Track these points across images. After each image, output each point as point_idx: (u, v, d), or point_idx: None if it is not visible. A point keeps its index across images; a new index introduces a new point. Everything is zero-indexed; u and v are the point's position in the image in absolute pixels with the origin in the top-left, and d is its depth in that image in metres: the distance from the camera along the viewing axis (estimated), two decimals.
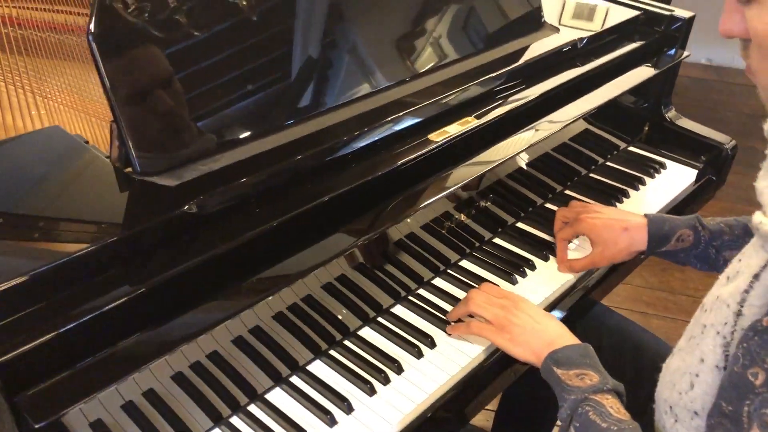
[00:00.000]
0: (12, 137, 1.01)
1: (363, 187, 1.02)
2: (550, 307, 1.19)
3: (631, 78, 1.47)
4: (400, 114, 1.13)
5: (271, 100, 1.06)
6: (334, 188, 0.99)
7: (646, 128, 1.68)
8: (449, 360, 1.06)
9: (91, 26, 0.88)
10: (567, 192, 1.47)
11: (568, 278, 1.24)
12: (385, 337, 1.10)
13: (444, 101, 1.19)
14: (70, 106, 1.35)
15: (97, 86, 1.41)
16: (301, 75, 1.09)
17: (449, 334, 1.10)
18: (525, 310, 1.04)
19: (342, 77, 1.15)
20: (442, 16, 1.30)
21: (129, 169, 0.93)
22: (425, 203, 1.09)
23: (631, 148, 1.65)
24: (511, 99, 1.27)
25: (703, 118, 1.71)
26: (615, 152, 1.62)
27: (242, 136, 1.01)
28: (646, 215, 1.22)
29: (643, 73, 1.50)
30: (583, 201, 1.42)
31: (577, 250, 1.29)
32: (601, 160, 1.58)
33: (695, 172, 1.58)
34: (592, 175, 1.53)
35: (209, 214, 0.90)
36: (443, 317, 1.13)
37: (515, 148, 1.22)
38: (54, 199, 0.89)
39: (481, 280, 1.21)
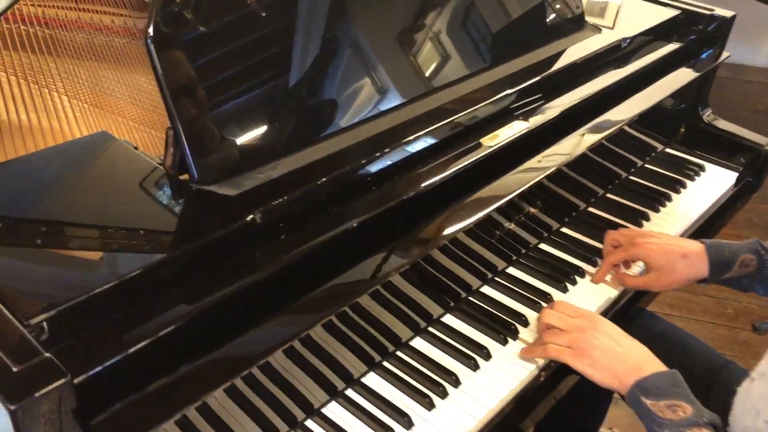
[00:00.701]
0: (61, 144, 0.97)
1: (426, 195, 0.99)
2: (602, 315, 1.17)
3: (673, 81, 1.45)
4: (451, 119, 1.10)
5: (326, 106, 1.02)
6: (397, 195, 0.96)
7: (682, 129, 1.65)
8: (507, 372, 1.04)
9: (150, 29, 0.84)
10: (609, 196, 1.44)
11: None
12: (439, 349, 1.07)
13: (493, 104, 1.16)
14: (104, 109, 1.31)
15: (128, 87, 1.38)
16: (357, 78, 1.06)
17: (523, 356, 1.06)
18: (605, 332, 0.99)
19: (395, 80, 1.11)
20: (489, 16, 1.27)
21: (184, 176, 0.90)
22: (485, 211, 1.06)
23: (669, 150, 1.62)
24: (559, 103, 1.24)
25: (720, 116, 1.68)
26: (653, 154, 1.59)
27: (300, 142, 0.98)
28: (702, 241, 1.16)
29: (684, 76, 1.47)
30: (624, 204, 1.40)
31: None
32: (639, 163, 1.55)
33: (735, 174, 1.55)
34: (632, 177, 1.51)
35: (270, 225, 0.87)
36: (496, 326, 1.10)
37: (567, 152, 1.19)
38: (110, 208, 0.86)
39: (530, 288, 1.19)
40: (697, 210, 1.44)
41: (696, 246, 1.15)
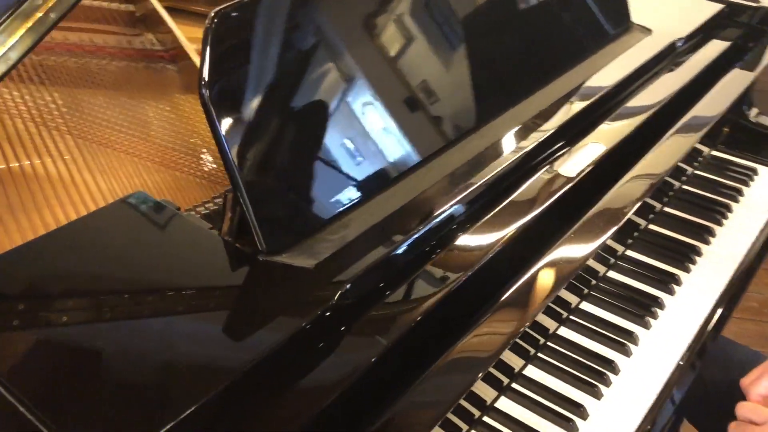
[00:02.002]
0: (100, 210, 0.81)
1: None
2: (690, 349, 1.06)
3: (733, 84, 1.34)
4: (524, 148, 0.97)
5: (389, 148, 0.88)
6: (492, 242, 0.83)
7: (726, 129, 1.55)
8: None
9: (204, 73, 0.69)
10: (667, 210, 1.33)
11: (701, 313, 1.11)
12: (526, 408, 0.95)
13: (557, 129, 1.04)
14: (112, 147, 1.15)
15: (134, 119, 1.22)
16: (418, 112, 0.92)
17: None
18: None
19: (455, 112, 0.98)
20: (541, 29, 1.14)
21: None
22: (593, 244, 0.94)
23: (715, 153, 1.52)
24: (626, 119, 1.12)
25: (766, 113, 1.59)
26: (699, 159, 1.48)
27: (369, 190, 0.84)
28: None
29: (742, 77, 1.37)
30: (685, 218, 1.29)
31: None
32: (689, 169, 1.44)
33: None
34: (685, 187, 1.40)
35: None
36: (582, 376, 0.98)
37: (656, 167, 1.08)
38: (176, 287, 0.71)
39: (609, 325, 1.07)
40: (761, 220, 1.34)
41: None
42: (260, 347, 0.64)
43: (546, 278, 0.90)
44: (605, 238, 0.97)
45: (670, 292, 1.14)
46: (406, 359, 0.73)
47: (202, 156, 1.17)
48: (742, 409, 0.94)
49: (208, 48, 0.69)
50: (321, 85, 0.80)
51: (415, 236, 0.79)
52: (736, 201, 1.37)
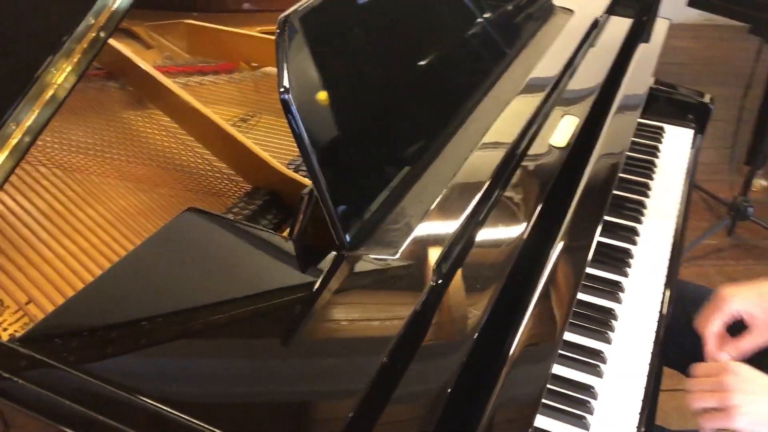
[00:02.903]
0: (160, 232, 0.79)
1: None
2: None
3: (647, 57, 1.50)
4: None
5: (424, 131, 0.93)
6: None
7: None
8: None
9: (284, 80, 0.70)
10: None
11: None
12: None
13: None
14: (102, 174, 1.10)
15: (119, 142, 1.16)
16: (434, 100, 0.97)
17: None
18: (745, 390, 0.88)
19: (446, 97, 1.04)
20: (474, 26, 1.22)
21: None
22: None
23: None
24: (579, 93, 1.23)
25: None
26: None
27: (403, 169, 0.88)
28: None
29: (652, 49, 1.53)
30: (624, 177, 1.43)
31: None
32: None
33: (691, 131, 1.65)
34: None
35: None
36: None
37: (616, 146, 1.19)
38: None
39: (573, 346, 1.03)
40: (681, 170, 1.51)
41: None
42: (390, 338, 0.66)
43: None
44: (604, 212, 1.06)
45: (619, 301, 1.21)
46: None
47: (179, 170, 1.14)
48: (697, 370, 0.96)
49: (284, 55, 0.70)
50: (387, 80, 0.83)
51: (467, 213, 0.84)
52: (657, 156, 1.54)
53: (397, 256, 0.77)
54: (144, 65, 1.25)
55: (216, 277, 0.73)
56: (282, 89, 0.70)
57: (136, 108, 1.29)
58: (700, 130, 1.68)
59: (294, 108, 0.71)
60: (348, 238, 0.76)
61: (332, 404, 0.62)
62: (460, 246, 0.81)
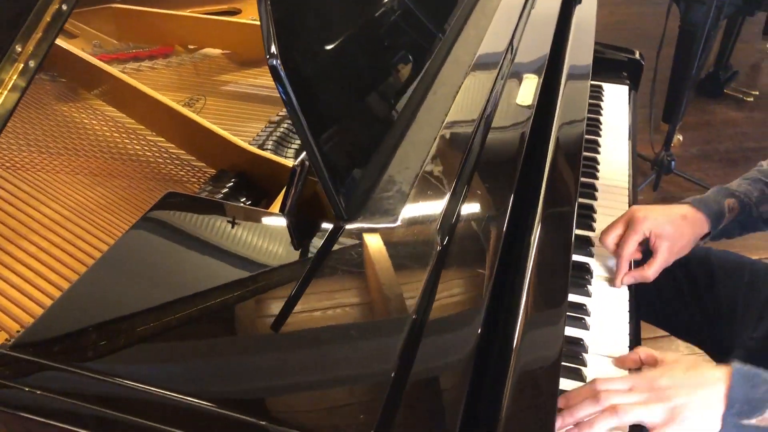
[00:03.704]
0: (137, 224, 0.73)
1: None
2: None
3: (586, 22, 1.52)
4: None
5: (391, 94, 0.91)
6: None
7: None
8: None
9: (272, 47, 0.66)
10: None
11: None
12: None
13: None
14: (46, 170, 1.02)
15: (58, 134, 1.08)
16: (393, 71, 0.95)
17: None
18: (675, 385, 0.81)
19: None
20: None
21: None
22: None
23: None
24: (530, 56, 1.24)
25: None
26: None
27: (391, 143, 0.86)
28: (683, 201, 1.13)
29: (589, 15, 1.55)
30: None
31: None
32: None
33: (626, 87, 1.70)
34: None
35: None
36: None
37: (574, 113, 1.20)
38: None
39: None
40: (624, 125, 1.55)
41: (685, 206, 1.12)
42: (411, 306, 0.64)
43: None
44: (578, 172, 1.06)
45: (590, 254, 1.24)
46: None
47: (134, 159, 1.08)
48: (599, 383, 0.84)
49: (268, 18, 0.66)
50: (363, 41, 0.80)
51: (456, 174, 0.83)
52: (601, 114, 1.58)
53: (398, 223, 0.74)
54: (79, 53, 1.17)
55: (215, 261, 0.69)
56: (269, 55, 0.66)
57: (72, 99, 1.21)
58: (634, 86, 1.73)
59: (283, 74, 0.67)
60: (345, 211, 0.73)
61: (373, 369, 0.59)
62: (456, 210, 0.79)
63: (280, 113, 1.18)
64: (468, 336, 0.64)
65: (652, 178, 2.73)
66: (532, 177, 0.98)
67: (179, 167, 1.05)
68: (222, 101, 1.28)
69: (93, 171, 1.03)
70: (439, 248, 0.72)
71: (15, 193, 0.97)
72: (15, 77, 0.72)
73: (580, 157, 1.08)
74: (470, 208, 0.81)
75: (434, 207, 0.77)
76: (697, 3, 2.60)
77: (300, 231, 0.73)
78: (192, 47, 1.42)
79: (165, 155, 1.07)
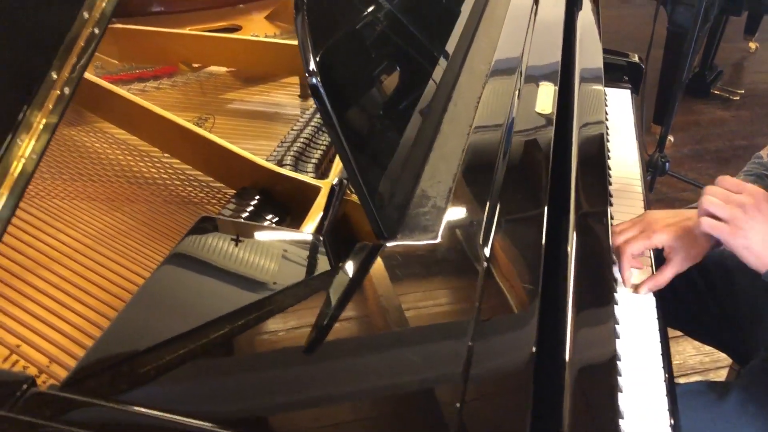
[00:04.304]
0: (174, 252, 0.71)
1: None
2: None
3: (589, 24, 1.52)
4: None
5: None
6: None
7: None
8: None
9: (311, 64, 0.65)
10: None
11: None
12: None
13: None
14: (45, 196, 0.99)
15: (71, 160, 1.06)
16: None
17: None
18: (758, 208, 0.89)
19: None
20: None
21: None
22: None
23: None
24: (546, 59, 1.23)
25: None
26: None
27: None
28: (693, 206, 1.09)
29: (588, 16, 1.55)
30: None
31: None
32: None
33: (628, 92, 1.70)
34: None
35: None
36: None
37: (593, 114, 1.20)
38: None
39: None
40: (630, 129, 1.55)
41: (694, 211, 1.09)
42: (468, 321, 0.63)
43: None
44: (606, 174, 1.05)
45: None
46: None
47: (150, 183, 1.06)
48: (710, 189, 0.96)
49: (306, 36, 0.65)
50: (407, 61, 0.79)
51: (490, 186, 0.82)
52: (606, 120, 1.57)
53: (439, 239, 0.73)
54: (85, 74, 1.15)
55: (259, 288, 0.67)
56: (308, 73, 0.65)
57: (78, 123, 1.19)
58: (635, 90, 1.74)
59: (323, 92, 0.65)
60: (384, 229, 0.72)
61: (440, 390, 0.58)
62: (494, 222, 0.78)
63: (293, 129, 1.16)
64: (525, 344, 0.63)
65: (647, 181, 2.74)
66: (557, 182, 0.97)
67: (197, 189, 1.03)
68: (231, 119, 1.26)
69: (110, 196, 1.00)
70: (485, 263, 0.70)
71: (32, 222, 0.94)
72: (51, 106, 0.69)
73: (605, 159, 1.08)
74: (507, 219, 0.80)
75: (472, 220, 0.76)
76: (684, 5, 2.62)
77: (341, 252, 0.72)
78: (196, 65, 1.40)
79: (182, 177, 1.05)
